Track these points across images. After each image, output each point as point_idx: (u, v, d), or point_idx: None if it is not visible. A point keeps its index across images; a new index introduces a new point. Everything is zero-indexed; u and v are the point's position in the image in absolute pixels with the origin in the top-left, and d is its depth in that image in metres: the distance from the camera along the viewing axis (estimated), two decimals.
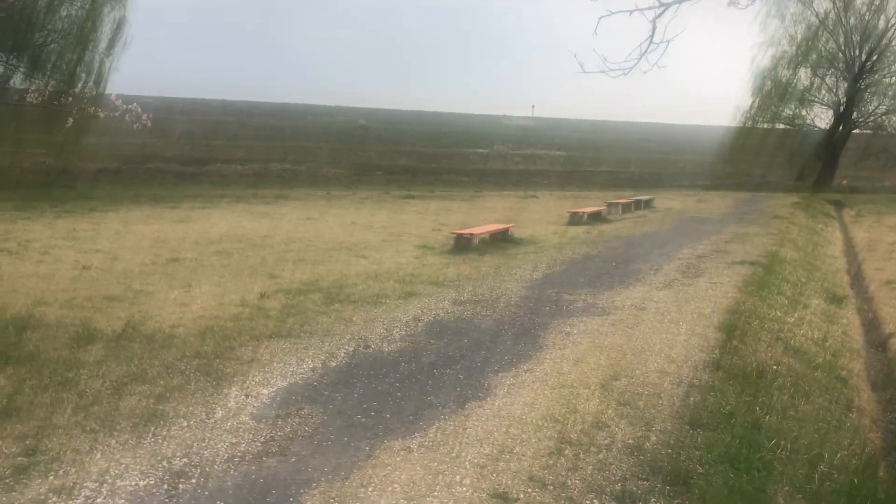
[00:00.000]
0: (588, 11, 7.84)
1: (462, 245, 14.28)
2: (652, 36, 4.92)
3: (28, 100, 7.79)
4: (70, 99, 8.46)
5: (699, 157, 59.94)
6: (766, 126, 41.29)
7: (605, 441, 5.05)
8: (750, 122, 41.60)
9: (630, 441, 5.07)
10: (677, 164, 52.97)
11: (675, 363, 6.85)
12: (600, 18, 4.73)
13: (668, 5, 4.73)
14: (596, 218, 20.12)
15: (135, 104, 8.31)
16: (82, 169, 29.61)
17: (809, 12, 36.17)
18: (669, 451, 4.94)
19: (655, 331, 7.96)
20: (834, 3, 36.32)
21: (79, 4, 22.15)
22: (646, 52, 4.99)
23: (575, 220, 19.42)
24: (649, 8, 4.81)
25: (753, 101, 40.70)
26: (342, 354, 7.08)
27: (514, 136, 70.28)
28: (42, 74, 23.04)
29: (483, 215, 21.53)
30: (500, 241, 15.32)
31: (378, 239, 15.78)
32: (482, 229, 14.94)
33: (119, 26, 25.27)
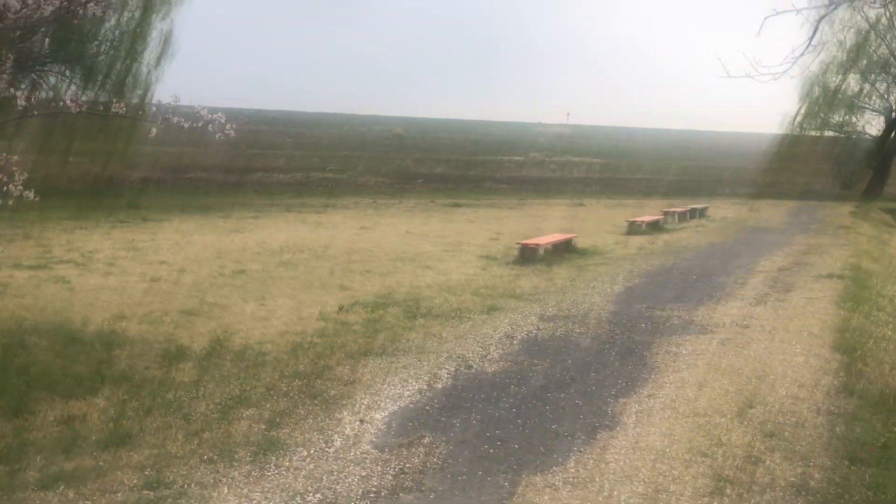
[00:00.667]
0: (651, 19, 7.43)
1: (527, 256, 13.91)
2: (811, 38, 4.53)
3: (76, 109, 7.51)
4: (124, 108, 8.17)
5: (737, 164, 59.09)
6: (814, 133, 40.42)
7: (766, 479, 4.66)
8: (797, 129, 40.75)
9: (792, 479, 4.68)
10: (715, 171, 52.21)
11: (804, 388, 6.43)
12: (765, 18, 4.35)
13: (838, 4, 4.35)
14: (654, 227, 19.65)
15: (219, 113, 8.04)
16: (126, 178, 29.67)
17: (860, 17, 35.34)
18: (839, 490, 4.54)
19: (770, 351, 7.54)
20: (885, 8, 35.49)
21: (128, 16, 22.22)
22: (802, 54, 4.60)
23: (634, 229, 18.96)
24: (815, 7, 4.42)
25: (800, 108, 39.84)
26: (445, 375, 6.75)
27: (548, 143, 70.01)
28: (93, 85, 23.08)
29: (535, 224, 21.13)
30: (564, 251, 14.92)
31: (438, 249, 15.45)
32: (546, 239, 14.56)
33: (167, 39, 25.32)
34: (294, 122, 55.97)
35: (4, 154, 8.28)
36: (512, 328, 8.42)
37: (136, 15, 24.00)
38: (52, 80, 24.24)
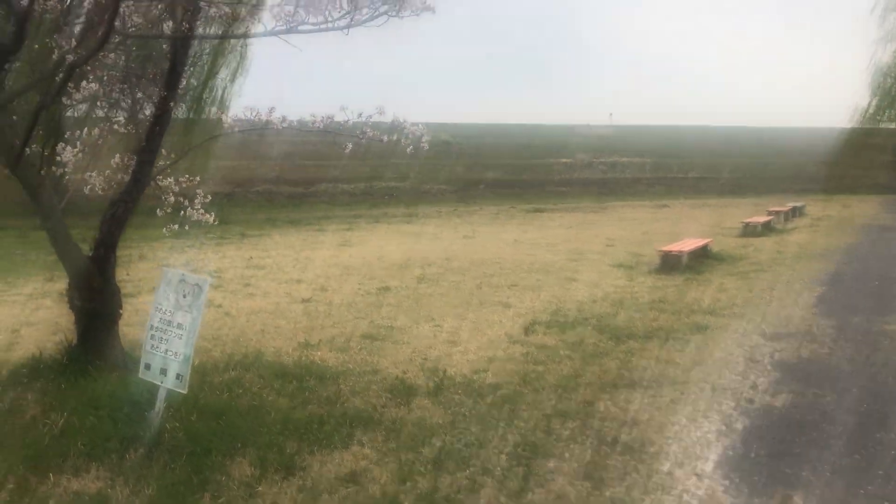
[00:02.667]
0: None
1: (670, 263, 13.27)
2: None
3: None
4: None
5: (795, 160, 57.71)
6: (886, 126, 39.11)
7: None
8: (868, 122, 39.48)
9: None
10: (774, 168, 51.00)
11: None
12: None
13: None
14: (768, 228, 18.85)
15: (419, 124, 7.49)
16: (196, 193, 29.28)
17: None
18: None
19: None
20: None
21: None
22: None
23: (749, 230, 18.20)
24: None
25: (871, 101, 38.58)
26: (734, 413, 6.08)
27: (594, 144, 68.92)
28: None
29: (636, 228, 20.49)
30: (701, 256, 14.21)
31: (562, 258, 14.85)
32: (685, 245, 13.88)
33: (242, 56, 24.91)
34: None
35: (188, 176, 7.86)
36: (746, 350, 7.77)
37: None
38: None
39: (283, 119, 7.19)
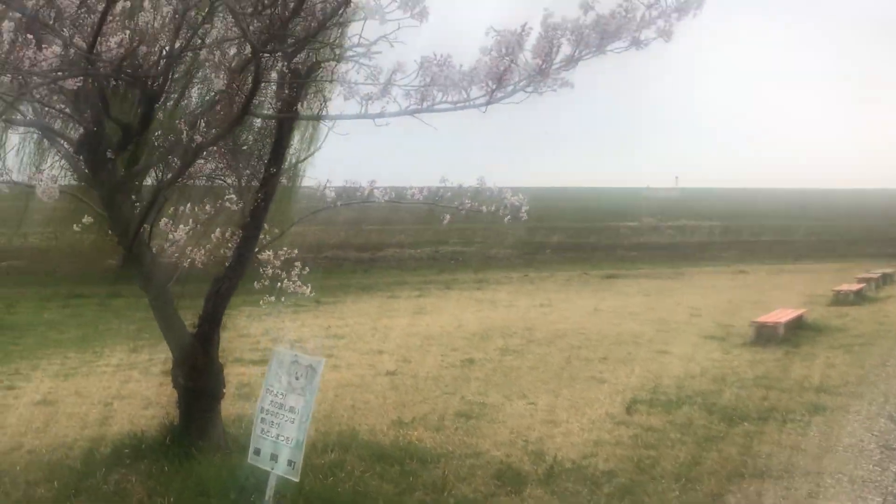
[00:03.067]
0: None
1: (766, 335, 12.68)
2: None
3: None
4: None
5: (867, 223, 55.96)
6: None
7: None
8: None
9: None
10: (848, 231, 49.57)
11: None
12: None
13: None
14: (860, 296, 18.03)
15: (520, 195, 7.24)
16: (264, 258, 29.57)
17: None
18: None
19: None
20: None
21: None
22: None
23: (841, 299, 17.43)
24: None
25: None
26: None
27: (659, 207, 68.17)
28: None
29: (717, 296, 19.84)
30: (797, 327, 13.57)
31: (649, 329, 14.34)
32: (780, 316, 13.26)
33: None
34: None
35: (286, 249, 7.76)
36: (877, 436, 7.22)
37: None
38: None
39: (386, 191, 7.07)
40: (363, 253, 36.11)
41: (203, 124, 4.61)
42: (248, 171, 6.67)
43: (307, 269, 7.96)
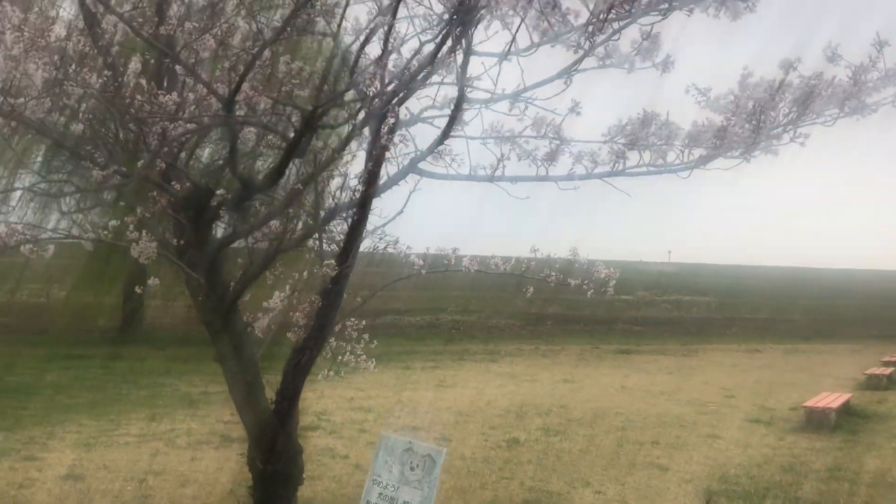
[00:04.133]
0: None
1: (816, 421, 12.15)
2: None
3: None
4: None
5: (860, 302, 55.91)
6: None
7: None
8: None
9: None
10: (845, 310, 49.40)
11: None
12: None
13: None
14: (892, 380, 17.57)
15: (612, 268, 6.78)
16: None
17: None
18: None
19: None
20: None
21: None
22: None
23: (874, 383, 16.94)
24: None
25: None
26: None
27: (651, 282, 67.84)
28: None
29: (741, 376, 19.34)
30: (844, 413, 13.03)
31: (688, 410, 13.79)
32: (829, 401, 12.74)
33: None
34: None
35: (354, 320, 7.21)
36: None
37: None
38: None
39: (472, 260, 6.60)
40: (366, 319, 35.38)
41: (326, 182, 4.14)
42: (330, 234, 6.20)
43: (375, 342, 7.41)
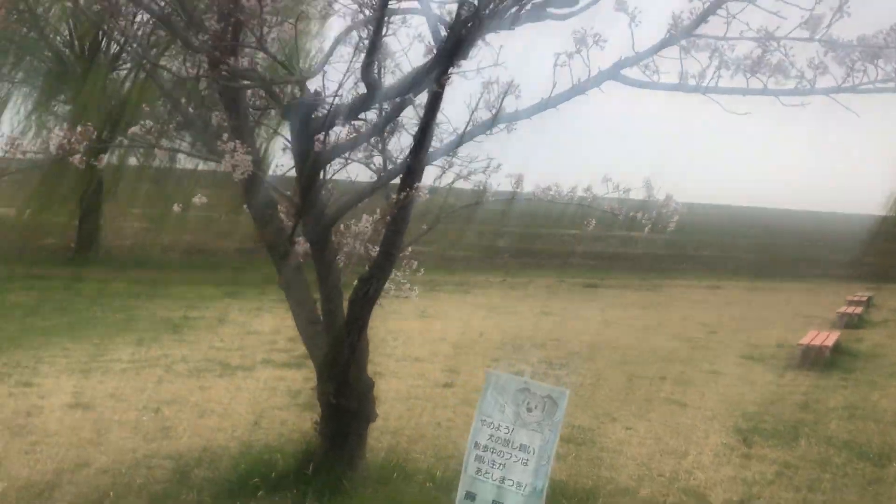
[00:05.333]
0: None
1: (811, 358, 12.28)
2: None
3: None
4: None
5: (795, 241, 57.40)
6: None
7: None
8: None
9: None
10: (777, 249, 50.71)
11: None
12: None
13: None
14: (862, 319, 17.98)
15: (680, 203, 6.52)
16: (217, 247, 28.41)
17: None
18: None
19: None
20: None
21: None
22: None
23: (846, 321, 17.26)
24: None
25: None
26: None
27: (600, 217, 68.28)
28: None
29: (713, 312, 19.54)
30: (834, 351, 13.20)
31: (678, 345, 13.87)
32: (823, 339, 12.88)
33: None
34: None
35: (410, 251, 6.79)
36: None
37: None
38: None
39: (549, 189, 6.21)
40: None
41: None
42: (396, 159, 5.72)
43: (422, 270, 7.03)
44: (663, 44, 3.43)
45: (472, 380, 10.17)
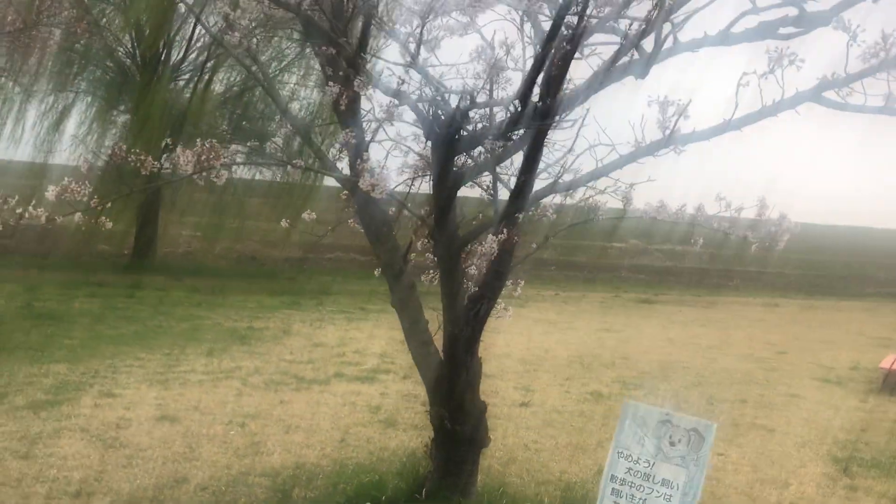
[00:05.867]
0: None
1: (893, 383, 11.88)
2: None
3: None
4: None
5: (845, 258, 56.32)
6: None
7: None
8: None
9: None
10: (825, 266, 49.71)
11: None
12: None
13: None
14: None
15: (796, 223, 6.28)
16: (268, 256, 28.50)
17: None
18: None
19: None
20: None
21: None
22: None
23: None
24: None
25: None
26: None
27: (642, 231, 67.77)
28: None
29: (777, 331, 19.10)
30: None
31: (750, 366, 13.51)
32: None
33: None
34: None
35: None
36: None
37: None
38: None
39: (661, 206, 6.01)
40: (366, 256, 34.56)
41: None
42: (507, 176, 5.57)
43: (519, 289, 6.88)
44: (882, 65, 3.25)
45: (548, 399, 10.01)
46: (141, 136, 21.05)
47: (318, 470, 6.49)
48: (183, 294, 18.65)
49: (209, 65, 23.02)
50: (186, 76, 24.37)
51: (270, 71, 21.15)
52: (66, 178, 4.03)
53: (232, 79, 23.67)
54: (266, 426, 7.82)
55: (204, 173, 4.20)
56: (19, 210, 3.93)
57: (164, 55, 23.60)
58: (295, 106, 22.87)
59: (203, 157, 3.87)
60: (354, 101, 4.38)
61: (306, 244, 27.27)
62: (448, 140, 3.84)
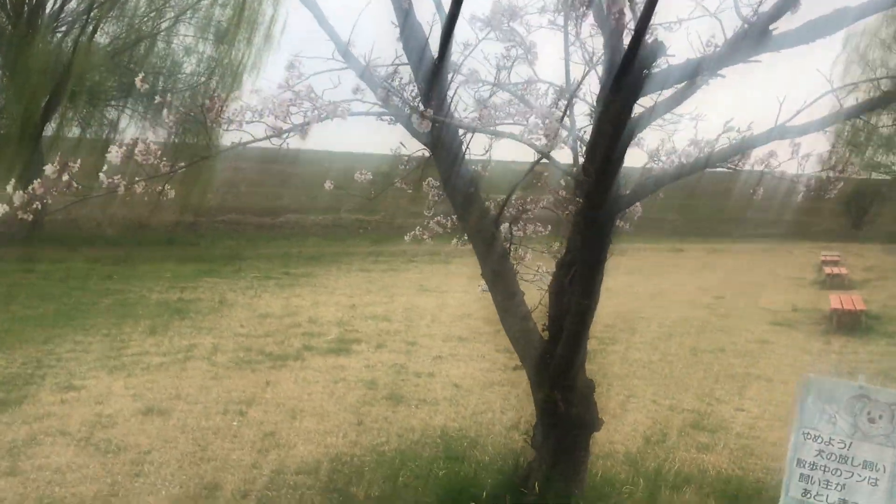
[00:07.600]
0: None
1: (847, 323, 12.18)
2: None
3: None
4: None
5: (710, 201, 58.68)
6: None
7: None
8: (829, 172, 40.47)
9: None
10: (698, 209, 51.66)
11: None
12: None
13: None
14: (849, 280, 18.18)
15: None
16: (161, 221, 26.69)
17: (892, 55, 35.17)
18: None
19: None
20: None
21: None
22: None
23: (837, 282, 17.43)
24: None
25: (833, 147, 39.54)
26: None
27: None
28: None
29: (698, 276, 19.45)
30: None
31: (703, 313, 13.57)
32: (850, 302, 12.78)
33: None
34: (301, 161, 53.19)
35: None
36: None
37: None
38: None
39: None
40: (263, 218, 33.13)
41: None
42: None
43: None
44: None
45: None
46: (20, 95, 18.96)
47: (360, 462, 5.75)
48: (86, 265, 17.04)
49: (92, 14, 20.90)
50: (64, 28, 22.11)
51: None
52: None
53: (119, 30, 21.68)
54: (267, 412, 6.96)
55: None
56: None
57: (36, 1, 21.31)
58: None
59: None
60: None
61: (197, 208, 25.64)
62: (634, 79, 3.17)
